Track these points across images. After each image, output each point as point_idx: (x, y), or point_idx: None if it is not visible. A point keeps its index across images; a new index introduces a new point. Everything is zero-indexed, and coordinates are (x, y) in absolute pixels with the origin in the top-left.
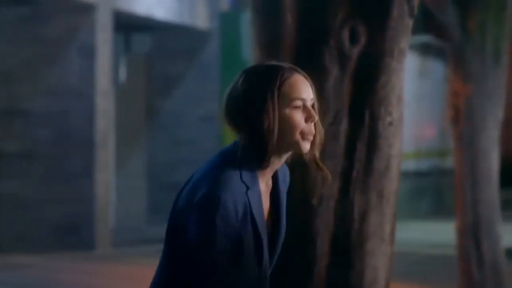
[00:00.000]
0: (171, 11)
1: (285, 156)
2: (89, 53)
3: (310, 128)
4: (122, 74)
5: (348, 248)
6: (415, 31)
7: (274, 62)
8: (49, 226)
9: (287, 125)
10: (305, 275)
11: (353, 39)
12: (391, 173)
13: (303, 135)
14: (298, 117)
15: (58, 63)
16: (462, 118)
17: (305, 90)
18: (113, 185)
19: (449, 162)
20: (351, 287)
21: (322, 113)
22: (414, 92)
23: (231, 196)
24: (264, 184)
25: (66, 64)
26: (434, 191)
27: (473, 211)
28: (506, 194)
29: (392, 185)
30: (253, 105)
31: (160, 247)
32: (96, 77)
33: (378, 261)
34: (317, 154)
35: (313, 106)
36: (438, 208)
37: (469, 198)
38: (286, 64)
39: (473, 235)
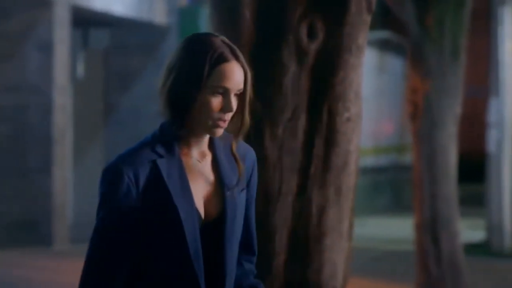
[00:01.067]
0: (129, 7)
1: (204, 136)
2: (47, 48)
3: (223, 116)
4: (80, 69)
5: (306, 243)
6: (374, 27)
7: (217, 37)
8: (6, 221)
9: (203, 108)
10: (263, 270)
11: (311, 35)
12: (349, 168)
13: (214, 121)
14: (215, 104)
15: (16, 58)
16: (420, 114)
17: (233, 79)
18: (71, 181)
19: (408, 158)
20: (309, 282)
21: (280, 108)
22: (373, 88)
23: (128, 167)
24: (195, 154)
25: (24, 59)
26: (393, 186)
27: (431, 206)
28: (464, 189)
29: (350, 181)
30: (182, 77)
31: None
32: (54, 73)
33: (336, 257)
34: (234, 144)
35: (241, 96)
36: (397, 204)
37: (427, 193)
38: (226, 45)
39: (431, 231)
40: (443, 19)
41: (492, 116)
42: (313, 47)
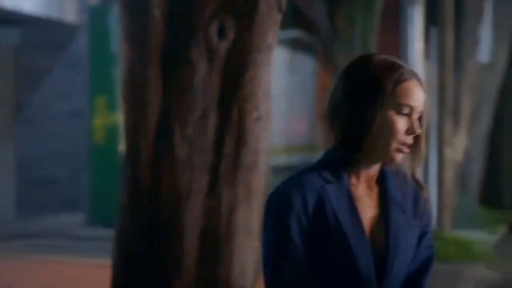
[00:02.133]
0: (39, 5)
1: (376, 163)
2: None
3: (408, 140)
4: None
5: (216, 242)
6: (285, 25)
7: (395, 59)
8: None
9: (386, 129)
10: (173, 269)
11: (221, 34)
12: (260, 167)
13: (397, 145)
14: (400, 124)
15: None
16: None
17: (418, 98)
18: None
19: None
20: (219, 281)
21: (190, 107)
22: (284, 87)
23: (296, 193)
24: (363, 186)
25: None
26: None
27: None
28: None
29: (260, 180)
30: (361, 96)
31: (29, 242)
32: None
33: (246, 256)
34: (416, 170)
35: (420, 118)
36: None
37: None
38: (407, 65)
39: None
40: (353, 18)
41: None
42: (223, 47)
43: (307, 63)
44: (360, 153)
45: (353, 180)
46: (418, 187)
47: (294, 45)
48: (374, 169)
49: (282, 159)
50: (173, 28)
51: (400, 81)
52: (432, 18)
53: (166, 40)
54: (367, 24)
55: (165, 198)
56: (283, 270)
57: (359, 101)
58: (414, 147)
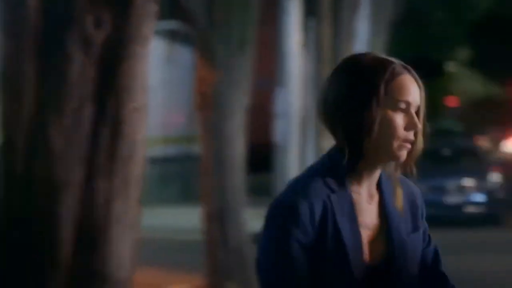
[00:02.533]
0: None
1: (378, 166)
2: None
3: (409, 136)
4: None
5: (93, 234)
6: (162, 17)
7: (383, 56)
8: None
9: (386, 128)
10: (48, 261)
11: (98, 25)
12: (136, 159)
13: (399, 142)
14: (398, 120)
15: None
16: (208, 105)
17: (414, 93)
18: None
19: (197, 148)
20: (96, 273)
21: (66, 98)
22: (162, 78)
23: (303, 201)
24: (364, 193)
25: None
26: (182, 177)
27: (218, 197)
28: (252, 180)
29: (137, 171)
30: (354, 99)
31: None
32: None
33: (123, 247)
34: (412, 167)
35: (417, 113)
36: (186, 194)
37: (215, 184)
38: (397, 61)
39: (219, 221)
40: (230, 10)
41: (278, 107)
42: (99, 39)
43: (184, 55)
44: (362, 157)
45: (355, 187)
46: (410, 185)
47: (171, 36)
48: (376, 173)
49: (159, 150)
50: (49, 20)
51: (393, 77)
52: (310, 9)
53: (43, 32)
54: (245, 16)
55: (41, 189)
56: (281, 278)
57: (355, 104)
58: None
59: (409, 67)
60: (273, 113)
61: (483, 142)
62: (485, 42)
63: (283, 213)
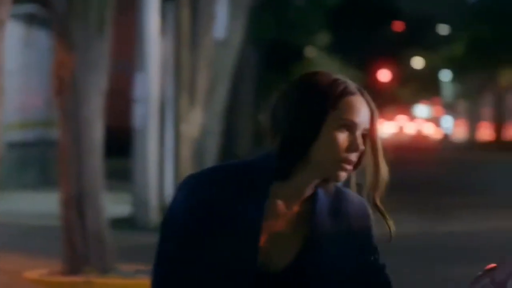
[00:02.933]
0: None
1: (313, 181)
2: None
3: (351, 157)
4: None
5: None
6: (19, 0)
7: (337, 75)
8: None
9: (327, 145)
10: None
11: None
12: None
13: (339, 162)
14: (341, 140)
15: None
16: (66, 89)
17: (360, 114)
18: None
19: (56, 132)
20: None
21: None
22: (19, 62)
23: (210, 186)
24: (283, 204)
25: None
26: (41, 161)
27: (76, 182)
28: (111, 164)
29: None
30: (301, 110)
31: None
32: None
33: None
34: (377, 197)
35: (365, 136)
36: (44, 179)
37: (73, 169)
38: (352, 82)
39: (77, 206)
40: None
41: (137, 92)
42: None
43: (43, 39)
44: (295, 169)
45: (277, 190)
46: (385, 220)
47: (29, 20)
48: (310, 186)
49: (17, 135)
50: None
51: (342, 95)
52: None
53: None
54: (102, 0)
55: None
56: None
57: (301, 116)
58: (358, 165)
59: (362, 89)
60: (132, 98)
61: None
62: (344, 28)
63: (184, 191)
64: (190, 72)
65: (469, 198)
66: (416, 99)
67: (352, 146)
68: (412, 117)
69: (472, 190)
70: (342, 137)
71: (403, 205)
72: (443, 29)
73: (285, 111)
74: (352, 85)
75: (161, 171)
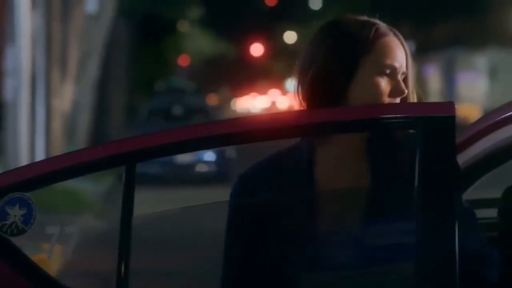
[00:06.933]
0: None
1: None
2: None
3: (393, 102)
4: None
5: None
6: None
7: (365, 17)
8: None
9: (367, 90)
10: None
11: None
12: None
13: None
14: (384, 85)
15: None
16: None
17: (398, 57)
18: None
19: None
20: None
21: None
22: None
23: (251, 173)
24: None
25: None
26: None
27: None
28: None
29: None
30: (335, 62)
31: None
32: None
33: None
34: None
35: (405, 79)
36: None
37: None
38: (381, 22)
39: None
40: None
41: (8, 65)
42: None
43: None
44: None
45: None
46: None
47: None
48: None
49: None
50: None
51: (376, 37)
52: None
53: None
54: None
55: None
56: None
57: (335, 67)
58: None
59: (394, 29)
60: (2, 71)
61: (214, 101)
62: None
63: (239, 189)
64: (61, 45)
65: None
66: (288, 73)
67: (395, 91)
68: (284, 92)
69: None
70: (384, 82)
71: None
72: (316, 3)
73: (316, 63)
74: (383, 26)
75: (32, 145)
